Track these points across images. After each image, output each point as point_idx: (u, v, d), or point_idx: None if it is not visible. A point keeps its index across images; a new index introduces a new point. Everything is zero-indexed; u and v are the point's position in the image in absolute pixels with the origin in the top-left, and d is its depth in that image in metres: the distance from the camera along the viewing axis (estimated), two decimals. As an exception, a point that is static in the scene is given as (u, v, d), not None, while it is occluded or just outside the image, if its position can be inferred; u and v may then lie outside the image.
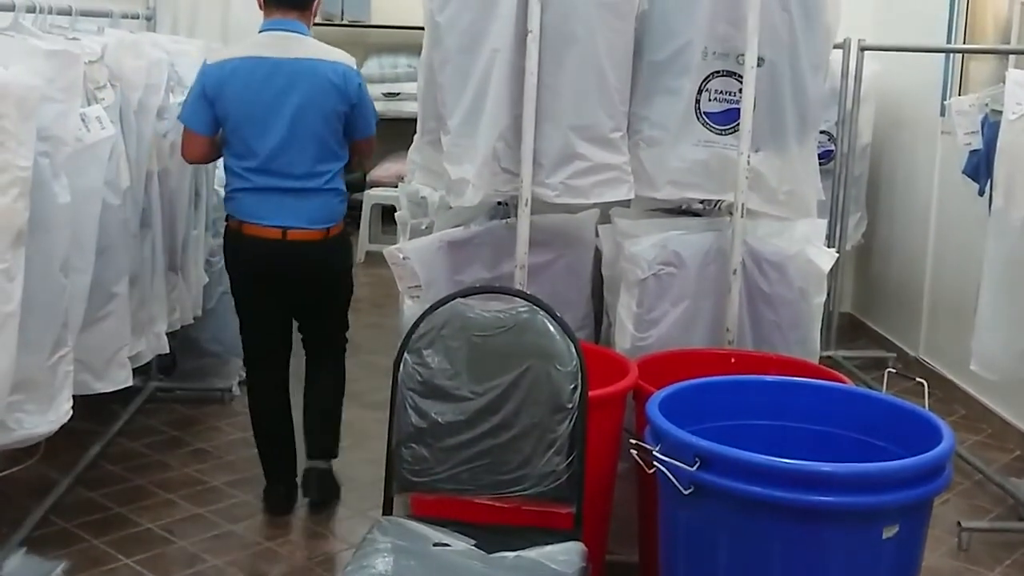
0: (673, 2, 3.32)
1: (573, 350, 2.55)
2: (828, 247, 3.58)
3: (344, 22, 7.79)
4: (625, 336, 3.33)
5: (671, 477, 2.37)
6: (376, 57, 7.89)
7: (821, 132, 4.75)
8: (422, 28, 3.35)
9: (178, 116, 3.72)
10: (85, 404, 3.46)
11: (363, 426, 4.43)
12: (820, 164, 3.65)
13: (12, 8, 3.15)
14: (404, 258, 3.36)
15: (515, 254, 3.28)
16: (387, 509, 2.60)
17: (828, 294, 3.77)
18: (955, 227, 5.26)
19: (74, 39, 3.30)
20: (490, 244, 3.42)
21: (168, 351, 4.06)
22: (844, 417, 2.75)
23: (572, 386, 2.52)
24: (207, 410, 4.75)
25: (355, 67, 3.70)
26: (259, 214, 3.59)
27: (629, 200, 3.43)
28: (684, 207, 3.60)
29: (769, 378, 2.97)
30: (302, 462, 3.90)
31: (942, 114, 5.30)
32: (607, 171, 3.30)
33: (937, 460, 2.36)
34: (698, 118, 3.37)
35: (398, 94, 7.84)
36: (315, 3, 3.71)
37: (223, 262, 4.70)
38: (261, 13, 3.65)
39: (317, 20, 3.86)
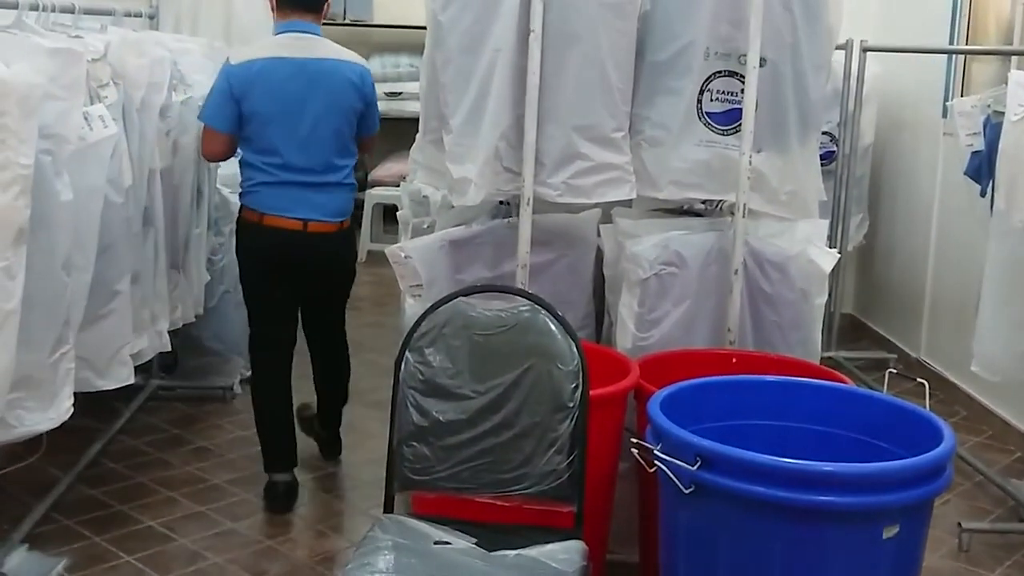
0: (675, 2, 3.33)
1: (574, 349, 2.55)
2: (830, 248, 3.58)
3: (347, 21, 7.79)
4: (626, 336, 3.33)
5: (672, 476, 2.38)
6: (378, 56, 7.89)
7: (823, 133, 4.75)
8: (424, 28, 3.36)
9: (199, 116, 3.79)
10: (87, 402, 3.47)
11: (364, 425, 4.44)
12: (822, 165, 3.66)
13: (15, 6, 3.16)
14: (406, 257, 3.36)
15: (517, 253, 3.29)
16: (388, 507, 2.61)
17: (829, 295, 3.77)
18: (957, 228, 5.26)
19: (77, 37, 3.30)
20: (492, 243, 3.43)
21: (170, 349, 4.06)
22: (845, 417, 2.75)
23: (573, 385, 2.53)
24: (208, 408, 4.75)
25: (367, 67, 3.89)
26: (281, 206, 3.70)
27: (631, 200, 3.44)
28: (686, 207, 3.61)
29: (770, 378, 2.97)
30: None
31: (944, 115, 5.31)
32: (609, 171, 3.31)
33: (938, 460, 2.36)
34: (700, 118, 3.38)
35: (400, 93, 7.84)
36: (326, 5, 3.84)
37: (224, 260, 4.75)
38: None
39: (320, 20, 3.95)
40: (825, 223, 3.68)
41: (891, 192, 6.17)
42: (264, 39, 3.73)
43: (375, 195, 7.77)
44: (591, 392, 2.55)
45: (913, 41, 5.72)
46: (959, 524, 3.75)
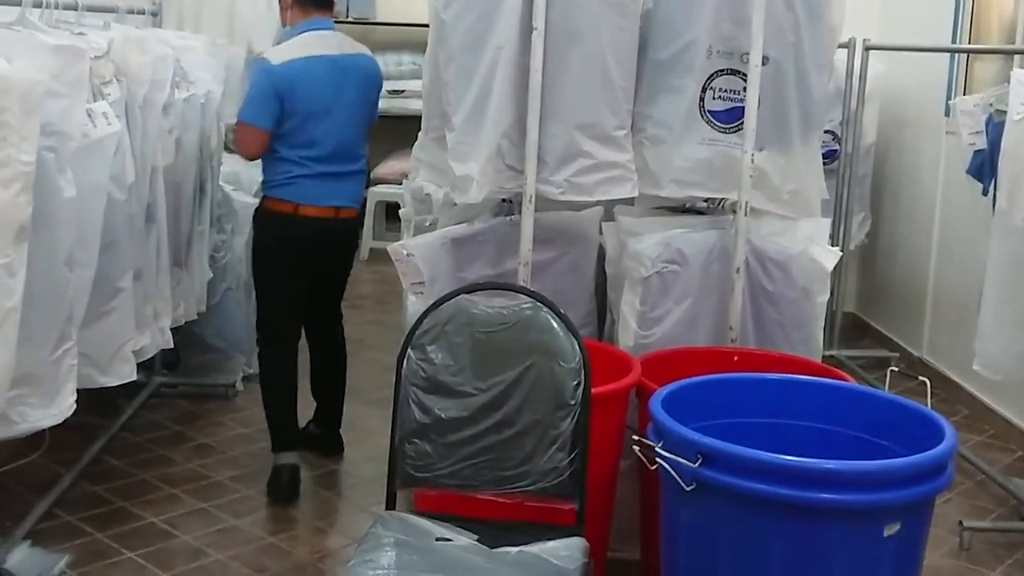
0: (678, 0, 3.32)
1: (576, 347, 2.55)
2: (832, 246, 3.58)
3: (349, 19, 7.78)
4: (628, 333, 3.34)
5: (673, 473, 2.38)
6: (381, 54, 7.85)
7: (825, 131, 4.75)
8: (427, 25, 3.36)
9: (240, 117, 3.85)
10: (89, 398, 3.47)
11: (366, 423, 4.44)
12: (824, 163, 3.66)
13: (19, 3, 3.16)
14: (408, 255, 3.37)
15: (519, 251, 3.29)
16: (390, 504, 2.62)
17: (831, 293, 3.77)
18: (959, 227, 5.26)
19: (80, 34, 3.31)
20: (494, 241, 3.43)
21: (172, 346, 4.07)
22: (846, 415, 2.76)
23: (575, 383, 2.53)
24: (211, 405, 4.76)
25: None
26: (316, 196, 3.85)
27: (633, 198, 3.44)
28: (688, 205, 3.61)
29: (771, 376, 2.97)
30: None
31: (946, 114, 5.31)
32: (611, 169, 3.31)
33: (939, 459, 2.36)
34: (702, 116, 3.38)
35: (403, 91, 7.84)
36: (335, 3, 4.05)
37: (227, 258, 4.76)
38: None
39: (322, 18, 4.02)
40: (827, 222, 3.68)
41: (893, 191, 6.17)
42: (295, 38, 3.87)
43: (377, 193, 7.77)
44: (593, 390, 2.55)
45: (916, 40, 5.72)
46: (960, 523, 3.75)
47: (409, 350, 2.59)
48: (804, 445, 2.62)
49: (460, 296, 2.66)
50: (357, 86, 3.89)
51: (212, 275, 4.63)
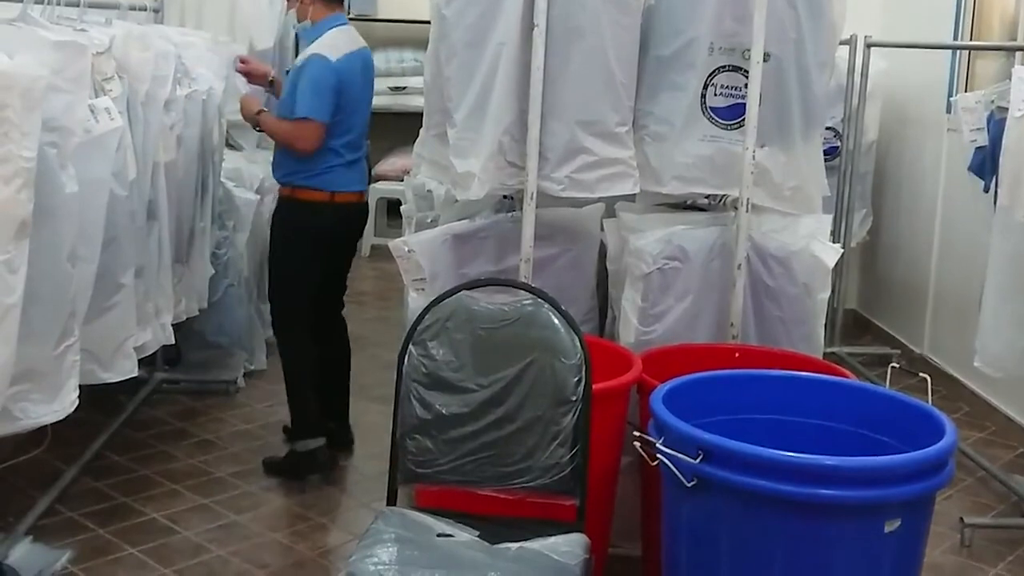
0: (679, -3, 3.33)
1: (577, 343, 2.56)
2: (833, 243, 3.58)
3: (351, 16, 7.78)
4: (629, 330, 3.34)
5: (674, 470, 2.38)
6: (382, 51, 7.88)
7: (827, 128, 4.75)
8: (428, 22, 3.36)
9: (303, 113, 3.85)
10: (91, 394, 3.48)
11: (368, 419, 4.44)
12: (825, 160, 3.66)
13: (21, -1, 3.16)
14: (409, 251, 3.37)
15: (520, 248, 3.29)
16: (391, 500, 2.62)
17: (833, 291, 3.78)
18: (960, 224, 5.26)
19: (82, 30, 3.31)
20: (495, 238, 3.43)
21: (174, 342, 4.07)
22: (847, 412, 2.76)
23: (576, 379, 2.53)
24: (212, 402, 4.76)
25: None
26: (348, 182, 4.03)
27: (634, 195, 3.44)
28: (689, 202, 3.61)
29: (773, 372, 2.97)
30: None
31: (948, 111, 5.30)
32: (612, 165, 3.31)
33: (939, 455, 2.36)
34: (704, 113, 3.38)
35: (404, 88, 7.84)
36: None
37: (228, 255, 4.77)
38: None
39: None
40: (828, 218, 3.68)
41: (895, 188, 6.16)
42: (334, 35, 3.97)
43: (379, 189, 7.77)
44: (594, 386, 2.56)
45: (917, 37, 5.72)
46: (961, 519, 3.75)
47: (410, 346, 2.60)
48: (805, 441, 2.62)
49: (461, 292, 2.66)
50: (372, 76, 4.12)
51: (214, 271, 4.63)
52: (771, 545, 2.35)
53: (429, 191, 4.22)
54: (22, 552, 3.22)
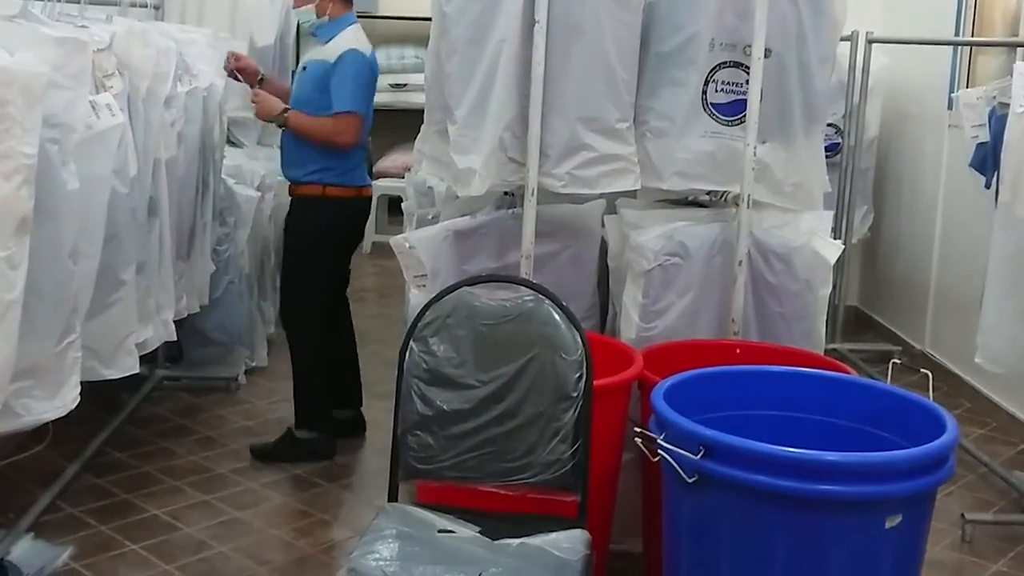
0: (680, -7, 3.32)
1: (578, 339, 2.56)
2: (834, 240, 3.58)
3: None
4: (630, 326, 3.34)
5: (675, 466, 2.38)
6: (384, 48, 7.88)
7: (828, 125, 4.74)
8: (429, 19, 3.36)
9: (350, 107, 3.96)
10: (92, 391, 3.47)
11: (369, 415, 4.45)
12: (827, 157, 3.66)
13: (21, -4, 3.16)
14: (410, 247, 3.37)
15: (521, 244, 3.29)
16: (392, 496, 2.62)
17: (834, 287, 3.77)
18: (962, 221, 5.26)
19: (83, 27, 3.31)
20: (496, 234, 3.43)
21: (175, 339, 4.07)
22: (848, 408, 2.76)
23: (577, 375, 2.53)
24: (213, 398, 4.77)
25: None
26: (366, 177, 4.24)
27: (635, 191, 3.44)
28: (690, 198, 3.61)
29: (773, 368, 2.97)
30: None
31: (949, 107, 5.30)
32: (613, 162, 3.31)
33: (940, 451, 2.36)
34: (705, 109, 3.38)
35: (405, 85, 7.85)
36: None
37: (229, 251, 4.78)
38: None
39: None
40: (829, 214, 3.68)
41: (896, 184, 6.16)
42: (354, 31, 4.08)
43: (380, 186, 7.76)
44: (595, 382, 2.56)
45: (919, 33, 5.72)
46: (962, 515, 3.76)
47: (411, 343, 2.60)
48: (806, 437, 2.62)
49: (462, 289, 2.66)
50: (378, 74, 4.21)
51: (215, 268, 4.63)
52: (772, 541, 2.35)
53: (430, 188, 4.22)
54: (23, 549, 3.22)
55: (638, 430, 2.54)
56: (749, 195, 3.33)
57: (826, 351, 3.54)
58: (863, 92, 5.58)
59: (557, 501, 2.56)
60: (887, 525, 2.32)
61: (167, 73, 3.73)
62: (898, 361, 3.23)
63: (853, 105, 5.58)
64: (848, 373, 3.04)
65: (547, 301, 2.61)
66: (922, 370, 2.98)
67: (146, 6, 4.70)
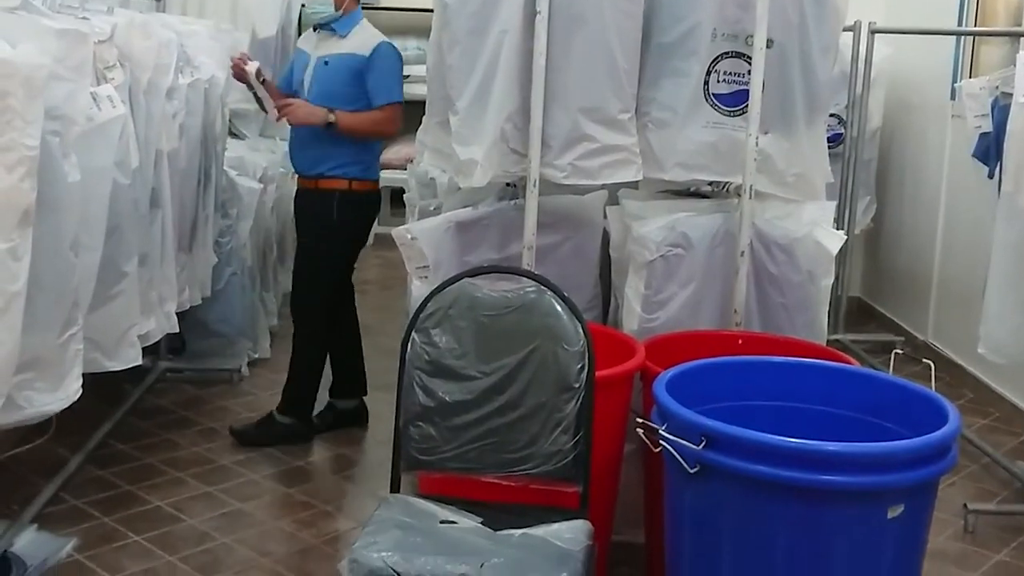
0: (682, -17, 3.31)
1: (580, 330, 2.56)
2: (836, 230, 3.57)
3: (353, 4, 7.78)
4: (633, 317, 3.34)
5: (677, 456, 2.38)
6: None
7: (831, 115, 4.75)
8: (431, 10, 3.35)
9: (395, 98, 4.09)
10: (95, 383, 3.47)
11: (372, 407, 4.45)
12: (829, 147, 3.65)
13: (22, -13, 3.15)
14: (412, 239, 3.37)
15: (523, 235, 3.29)
16: (395, 487, 2.62)
17: (837, 278, 3.76)
18: (964, 211, 5.25)
19: (84, 19, 3.30)
20: (498, 225, 3.43)
21: (177, 331, 4.08)
22: (850, 398, 2.76)
23: (579, 366, 2.54)
24: (216, 390, 4.78)
25: None
26: (379, 171, 4.30)
27: (637, 182, 3.44)
28: (692, 189, 3.61)
29: (776, 359, 2.97)
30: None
31: (952, 97, 5.29)
32: (615, 152, 3.31)
33: (943, 441, 2.36)
34: (707, 100, 3.37)
35: (407, 76, 7.76)
36: None
37: (231, 243, 4.78)
38: None
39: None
40: (832, 205, 3.67)
41: (899, 175, 6.15)
42: (366, 24, 4.19)
43: (383, 178, 7.71)
44: (597, 373, 2.56)
45: (921, 23, 5.71)
46: (965, 506, 3.76)
47: (413, 334, 2.60)
48: (808, 428, 2.62)
49: (464, 280, 2.66)
50: None
51: (217, 260, 4.64)
52: (774, 531, 2.36)
53: (432, 179, 4.22)
54: (27, 540, 3.23)
55: (640, 421, 2.54)
56: (751, 186, 3.32)
57: (828, 342, 3.53)
58: (866, 82, 5.57)
59: (559, 492, 2.56)
60: (889, 515, 2.32)
61: (168, 65, 3.73)
62: (901, 351, 3.22)
63: (856, 95, 5.57)
64: (850, 364, 3.04)
65: (549, 292, 2.61)
66: (925, 360, 2.97)
67: (147, -2, 4.70)
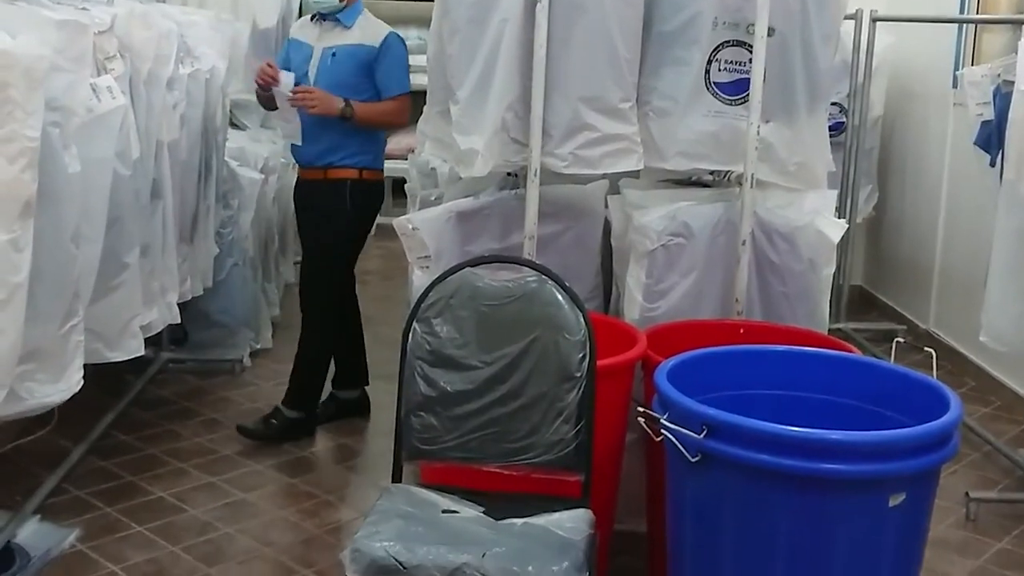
0: (683, -28, 3.30)
1: (581, 320, 2.56)
2: (838, 219, 3.56)
3: (354, -6, 7.76)
4: (634, 307, 3.33)
5: (678, 445, 2.38)
6: (386, 29, 7.86)
7: (832, 104, 4.74)
8: (432, 0, 3.34)
9: (405, 89, 4.14)
10: (98, 374, 3.48)
11: (373, 397, 4.46)
12: (831, 136, 3.65)
13: (22, -22, 3.15)
14: (413, 228, 3.36)
15: (524, 225, 3.29)
16: (396, 477, 2.62)
17: (838, 266, 3.76)
18: (966, 199, 5.24)
19: (83, 9, 3.29)
20: (499, 215, 3.42)
21: (179, 322, 4.08)
22: (852, 386, 2.76)
23: (580, 355, 2.54)
24: (218, 381, 4.78)
25: None
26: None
27: (638, 171, 3.43)
28: (694, 178, 3.60)
29: (777, 348, 2.97)
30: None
31: (954, 85, 5.28)
32: (616, 142, 3.30)
33: (944, 429, 2.36)
34: (708, 88, 3.37)
35: (408, 66, 7.80)
36: None
37: (233, 233, 4.79)
38: None
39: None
40: (833, 194, 3.66)
41: (900, 163, 6.14)
42: (368, 15, 4.21)
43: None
44: (598, 362, 2.56)
45: (923, 11, 5.69)
46: (967, 494, 3.76)
47: (414, 324, 2.60)
48: (810, 416, 2.62)
49: (465, 269, 2.66)
50: None
51: (218, 251, 4.64)
52: (775, 520, 2.36)
53: (433, 169, 4.21)
54: (30, 531, 3.24)
55: (641, 410, 2.54)
56: (752, 175, 3.32)
57: (830, 331, 3.53)
58: (867, 71, 5.55)
59: (561, 481, 2.57)
60: (891, 504, 2.32)
61: (169, 55, 3.73)
62: (902, 340, 3.22)
63: (857, 84, 5.56)
64: (852, 352, 3.04)
65: (550, 282, 2.61)
66: (926, 349, 2.97)
67: (147, -12, 4.69)
